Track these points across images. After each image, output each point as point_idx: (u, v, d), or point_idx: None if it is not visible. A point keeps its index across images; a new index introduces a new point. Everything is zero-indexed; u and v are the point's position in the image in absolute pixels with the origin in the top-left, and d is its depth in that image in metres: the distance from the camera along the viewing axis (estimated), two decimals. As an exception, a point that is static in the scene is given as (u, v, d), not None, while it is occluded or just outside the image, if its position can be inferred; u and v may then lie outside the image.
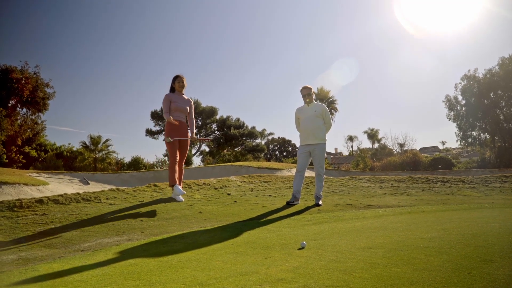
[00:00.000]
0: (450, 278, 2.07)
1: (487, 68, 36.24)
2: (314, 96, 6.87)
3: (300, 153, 6.75)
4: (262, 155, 47.98)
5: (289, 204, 6.37)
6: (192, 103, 6.84)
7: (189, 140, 6.71)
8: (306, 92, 6.67)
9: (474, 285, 1.93)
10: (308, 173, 8.88)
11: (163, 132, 50.86)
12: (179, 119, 6.53)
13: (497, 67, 35.48)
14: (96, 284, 2.30)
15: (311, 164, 6.87)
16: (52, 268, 2.75)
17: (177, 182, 6.40)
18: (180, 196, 6.38)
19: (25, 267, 2.85)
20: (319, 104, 6.77)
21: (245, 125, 50.10)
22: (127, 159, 44.27)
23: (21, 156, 27.36)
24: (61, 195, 5.75)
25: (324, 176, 6.82)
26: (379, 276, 2.15)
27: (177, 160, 6.46)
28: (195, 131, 6.93)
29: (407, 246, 2.98)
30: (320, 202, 6.51)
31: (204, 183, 7.74)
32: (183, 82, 6.69)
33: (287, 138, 69.99)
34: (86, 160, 38.76)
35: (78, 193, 5.95)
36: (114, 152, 43.00)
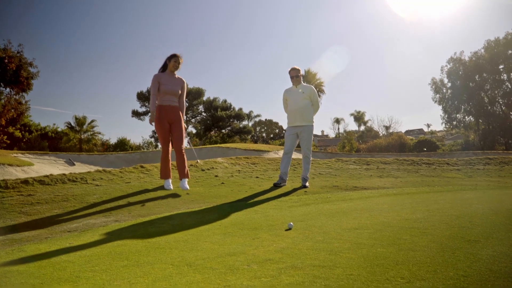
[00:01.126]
0: (434, 258, 2.11)
1: (473, 51, 36.52)
2: (302, 78, 6.81)
3: (287, 134, 6.70)
4: (249, 137, 48.02)
5: (276, 186, 6.37)
6: (185, 84, 6.09)
7: (183, 123, 5.98)
8: (294, 74, 6.60)
9: (458, 264, 1.97)
10: (295, 155, 8.91)
11: (149, 114, 50.36)
12: (170, 103, 5.81)
13: (482, 50, 35.76)
14: (84, 265, 2.29)
15: (298, 146, 6.87)
16: (39, 249, 2.73)
17: (169, 176, 5.87)
18: (171, 186, 5.81)
19: (12, 248, 2.82)
20: (307, 86, 6.70)
21: (232, 106, 50.00)
22: (113, 140, 43.92)
23: (5, 137, 26.90)
24: (46, 176, 5.69)
25: (311, 158, 6.84)
26: (365, 256, 2.19)
27: (170, 148, 5.87)
28: (184, 117, 6.22)
29: (393, 227, 3.03)
30: (307, 184, 6.50)
31: (191, 165, 7.71)
32: (179, 63, 5.97)
33: (274, 120, 70.08)
34: (71, 141, 38.35)
35: (64, 174, 5.88)
36: (99, 133, 42.64)
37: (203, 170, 7.60)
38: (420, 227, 2.95)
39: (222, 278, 1.94)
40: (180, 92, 5.96)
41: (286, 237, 2.87)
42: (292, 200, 5.21)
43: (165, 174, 5.84)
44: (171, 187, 5.74)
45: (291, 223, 3.26)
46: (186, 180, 5.89)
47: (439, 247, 2.33)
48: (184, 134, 5.92)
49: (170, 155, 5.85)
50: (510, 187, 6.95)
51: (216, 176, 7.23)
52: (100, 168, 7.48)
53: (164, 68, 5.98)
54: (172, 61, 5.87)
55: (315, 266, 2.04)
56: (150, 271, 2.12)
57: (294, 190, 6.11)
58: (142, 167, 7.06)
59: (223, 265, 2.16)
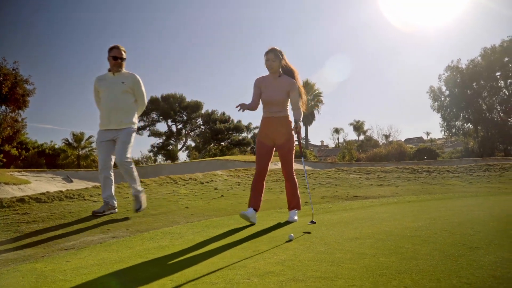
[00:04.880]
0: (437, 266, 2.08)
1: (470, 59, 36.71)
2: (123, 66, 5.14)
3: (98, 142, 5.05)
4: (249, 148, 47.96)
5: (95, 215, 4.83)
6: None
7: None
8: (117, 54, 5.02)
9: (461, 272, 1.94)
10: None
11: (148, 128, 50.73)
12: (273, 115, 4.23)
13: (479, 58, 35.98)
14: (81, 284, 2.25)
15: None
16: (34, 268, 2.67)
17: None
18: (252, 219, 4.13)
19: (7, 268, 2.77)
20: (129, 74, 5.10)
21: (231, 119, 50.05)
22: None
23: (1, 155, 26.82)
24: (43, 194, 5.64)
25: (309, 167, 6.79)
26: (367, 266, 2.15)
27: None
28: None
29: (394, 235, 2.99)
30: (140, 204, 4.98)
31: (190, 178, 7.68)
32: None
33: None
34: (69, 157, 38.24)
35: (61, 191, 5.84)
36: (97, 149, 42.47)
37: (202, 183, 7.56)
38: (422, 235, 2.91)
39: (222, 293, 1.90)
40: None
41: (287, 248, 2.82)
42: (292, 211, 5.16)
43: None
44: (249, 216, 4.10)
45: (292, 235, 3.21)
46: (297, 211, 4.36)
47: (441, 255, 2.29)
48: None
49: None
50: (510, 193, 6.92)
51: (215, 188, 7.19)
52: (98, 184, 7.43)
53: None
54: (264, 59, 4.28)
55: (316, 278, 2.00)
56: (148, 288, 2.08)
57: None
58: (140, 182, 7.00)
59: (223, 279, 2.12)
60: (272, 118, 4.21)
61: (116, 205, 5.13)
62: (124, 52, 5.04)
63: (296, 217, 4.24)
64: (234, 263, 2.48)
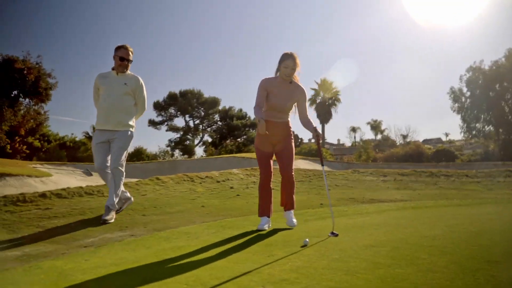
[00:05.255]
0: (454, 280, 2.06)
1: (493, 60, 35.86)
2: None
3: (95, 143, 4.99)
4: (265, 146, 47.88)
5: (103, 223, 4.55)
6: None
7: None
8: (123, 53, 4.96)
9: (479, 288, 1.92)
10: (312, 165, 8.87)
11: (166, 122, 51.24)
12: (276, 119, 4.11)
13: (503, 59, 35.12)
14: (100, 283, 2.31)
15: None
16: (55, 266, 2.75)
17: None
18: (265, 227, 4.07)
19: (29, 265, 2.85)
20: (133, 76, 5.05)
21: (247, 115, 50.11)
22: (130, 149, 44.34)
23: (25, 147, 27.41)
24: (64, 189, 5.77)
25: (327, 168, 6.74)
26: (383, 278, 2.14)
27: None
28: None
29: (411, 244, 2.97)
30: (109, 216, 4.63)
31: (206, 176, 7.74)
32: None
33: (289, 129, 69.75)
34: (89, 150, 38.84)
35: (81, 187, 5.96)
36: (116, 142, 42.99)
37: (218, 181, 7.62)
38: (439, 245, 2.89)
39: (237, 300, 1.92)
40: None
41: (301, 254, 2.84)
42: (308, 213, 5.17)
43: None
44: (266, 228, 4.04)
45: (307, 240, 3.22)
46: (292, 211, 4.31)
47: (458, 268, 2.27)
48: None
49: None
50: (532, 200, 6.78)
51: (231, 187, 7.24)
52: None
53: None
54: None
55: (331, 288, 2.01)
56: (165, 291, 2.12)
57: (310, 202, 6.06)
58: (158, 179, 7.11)
59: (237, 285, 2.15)
60: (271, 122, 4.02)
61: (128, 195, 5.19)
62: (132, 53, 4.93)
63: (295, 220, 4.18)
64: (249, 268, 2.50)
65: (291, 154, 4.20)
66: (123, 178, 4.89)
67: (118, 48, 4.87)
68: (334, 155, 46.57)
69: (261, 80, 4.05)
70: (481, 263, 2.35)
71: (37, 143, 29.74)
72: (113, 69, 4.93)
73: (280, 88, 4.03)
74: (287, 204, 4.24)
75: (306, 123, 4.16)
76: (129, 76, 4.96)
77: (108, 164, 4.84)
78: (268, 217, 4.15)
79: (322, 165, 4.23)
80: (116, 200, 4.77)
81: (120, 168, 4.79)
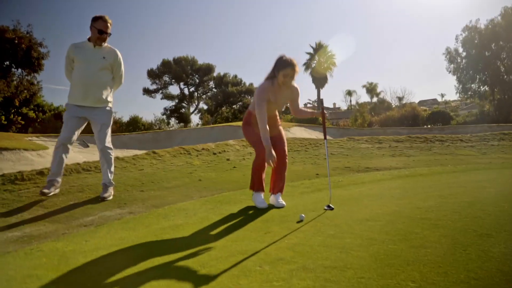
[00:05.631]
0: (445, 256, 2.12)
1: (489, 19, 35.38)
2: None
3: (69, 116, 4.77)
4: (261, 112, 47.69)
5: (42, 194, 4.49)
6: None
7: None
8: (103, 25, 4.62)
9: (470, 265, 1.98)
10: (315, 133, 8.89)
11: (161, 90, 50.68)
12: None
13: (499, 17, 34.62)
14: (101, 266, 2.37)
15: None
16: (56, 248, 2.79)
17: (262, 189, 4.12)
18: (265, 203, 4.01)
19: (30, 247, 2.90)
20: (112, 49, 4.77)
21: (242, 82, 49.75)
22: (125, 118, 44.07)
23: (20, 118, 27.19)
24: (61, 166, 5.76)
25: (328, 137, 6.75)
26: (376, 255, 2.20)
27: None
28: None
29: (404, 217, 3.03)
30: (107, 193, 4.64)
31: (203, 149, 7.76)
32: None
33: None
34: (84, 121, 38.62)
35: (78, 163, 5.97)
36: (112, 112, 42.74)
37: (214, 153, 7.65)
38: (432, 218, 2.96)
39: (235, 282, 1.98)
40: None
41: (297, 231, 2.90)
42: (304, 185, 5.23)
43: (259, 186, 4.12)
44: (266, 205, 3.98)
45: (303, 215, 3.28)
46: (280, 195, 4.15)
47: (450, 243, 2.34)
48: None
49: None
50: (525, 164, 6.87)
51: (228, 159, 7.27)
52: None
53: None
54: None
55: (326, 268, 2.07)
56: (165, 274, 2.17)
57: (306, 173, 6.12)
58: (154, 152, 7.12)
59: (236, 265, 2.20)
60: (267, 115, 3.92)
61: (59, 184, 4.73)
62: (110, 25, 4.61)
63: (283, 202, 4.01)
64: (246, 246, 2.56)
65: (284, 137, 4.25)
66: (113, 154, 4.89)
67: (96, 19, 4.54)
68: (330, 119, 46.55)
69: (260, 91, 3.89)
70: (472, 237, 2.41)
71: (32, 114, 29.44)
72: (89, 39, 4.61)
73: (277, 94, 3.97)
74: (277, 187, 4.12)
75: (299, 112, 4.24)
76: (107, 50, 4.70)
77: (72, 142, 4.77)
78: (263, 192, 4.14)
79: (325, 138, 4.28)
80: (111, 176, 4.76)
81: (108, 145, 4.78)
